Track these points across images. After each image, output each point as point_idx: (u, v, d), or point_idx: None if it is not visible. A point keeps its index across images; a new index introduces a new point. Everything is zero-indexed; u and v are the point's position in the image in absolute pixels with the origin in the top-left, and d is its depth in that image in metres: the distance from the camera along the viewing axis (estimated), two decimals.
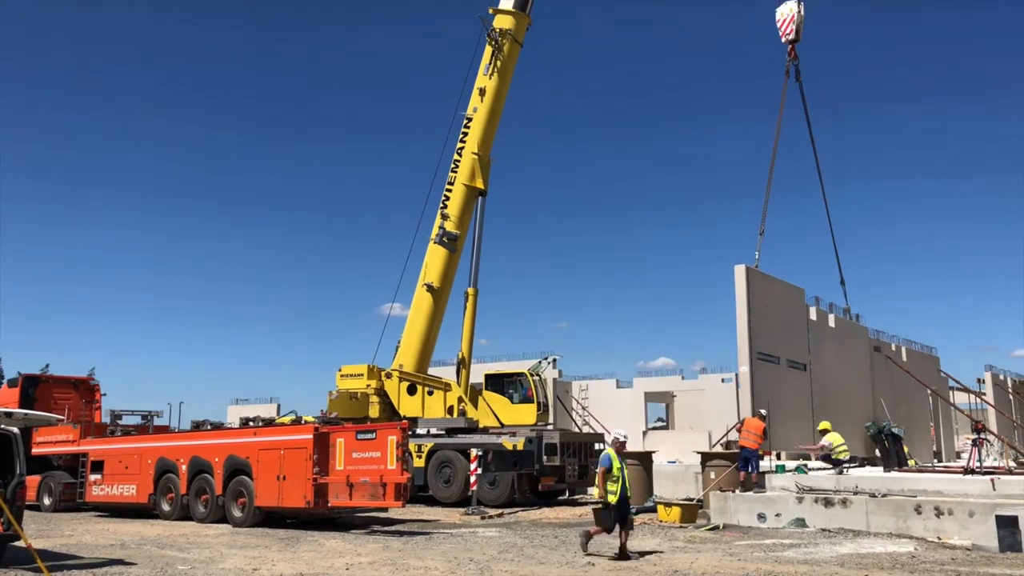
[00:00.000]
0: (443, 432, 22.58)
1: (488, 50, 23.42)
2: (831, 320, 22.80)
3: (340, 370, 23.87)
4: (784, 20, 22.41)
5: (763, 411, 17.62)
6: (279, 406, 39.81)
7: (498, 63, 23.30)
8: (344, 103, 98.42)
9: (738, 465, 16.92)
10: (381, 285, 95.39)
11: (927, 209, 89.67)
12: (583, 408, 34.87)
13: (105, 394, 24.81)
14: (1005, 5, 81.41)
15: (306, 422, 17.16)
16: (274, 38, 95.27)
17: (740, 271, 18.53)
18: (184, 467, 17.84)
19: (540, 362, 26.83)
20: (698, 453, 20.15)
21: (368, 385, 23.24)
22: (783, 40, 22.56)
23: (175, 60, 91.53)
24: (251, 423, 18.46)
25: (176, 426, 21.73)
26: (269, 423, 18.56)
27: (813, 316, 21.62)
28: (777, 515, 15.05)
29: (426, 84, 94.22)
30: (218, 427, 19.43)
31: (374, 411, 23.03)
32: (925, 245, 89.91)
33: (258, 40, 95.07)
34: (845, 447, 18.10)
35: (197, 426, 19.50)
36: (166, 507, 18.19)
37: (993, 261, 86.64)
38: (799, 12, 22.20)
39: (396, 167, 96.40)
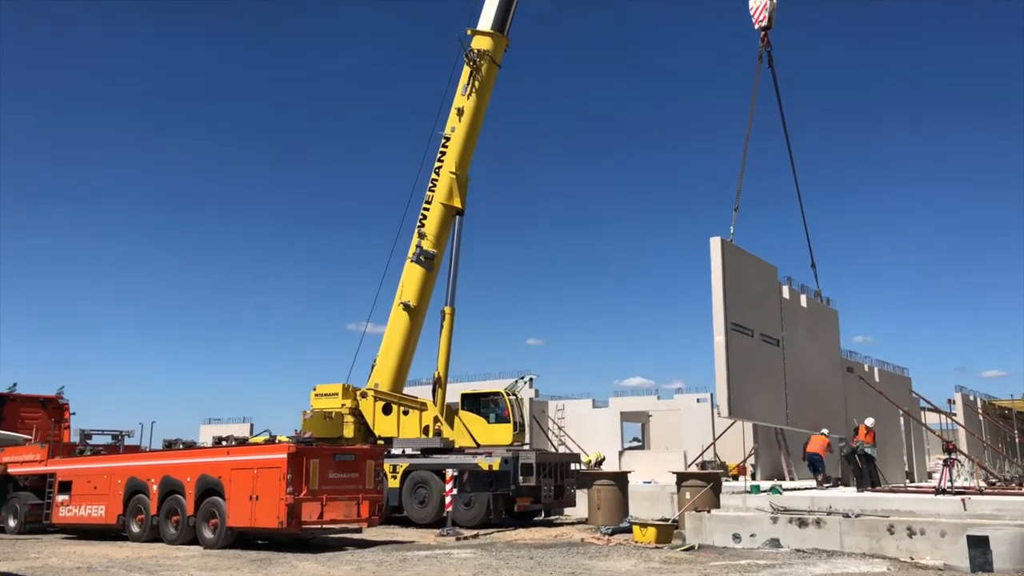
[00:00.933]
0: (418, 452, 22.45)
1: (466, 70, 23.56)
2: (803, 300, 22.92)
3: (315, 389, 23.68)
4: (757, 8, 22.67)
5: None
6: (252, 426, 39.44)
7: (476, 84, 23.44)
8: (314, 118, 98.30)
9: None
10: (353, 302, 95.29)
11: (902, 231, 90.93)
12: (559, 428, 34.84)
13: (74, 413, 24.46)
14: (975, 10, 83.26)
15: (280, 442, 17.00)
16: (241, 47, 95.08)
17: (716, 243, 18.58)
18: (155, 487, 17.57)
19: (517, 381, 26.78)
20: (674, 473, 20.19)
21: (343, 405, 23.06)
22: (756, 27, 22.77)
23: (118, 67, 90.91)
24: (224, 442, 18.24)
25: (147, 446, 21.39)
26: (242, 442, 18.35)
27: (786, 294, 21.74)
28: (752, 535, 15.08)
29: (399, 103, 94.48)
30: (190, 446, 19.18)
31: (349, 431, 22.86)
32: (899, 266, 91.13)
33: (223, 51, 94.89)
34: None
35: (169, 445, 19.23)
36: (135, 528, 17.88)
37: (965, 282, 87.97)
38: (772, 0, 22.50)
39: (371, 184, 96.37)
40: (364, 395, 23.28)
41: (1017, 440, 32.53)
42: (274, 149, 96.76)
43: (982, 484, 21.32)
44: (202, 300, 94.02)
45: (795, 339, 21.44)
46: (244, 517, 15.82)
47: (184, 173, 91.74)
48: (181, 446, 19.00)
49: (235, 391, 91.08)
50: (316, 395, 23.53)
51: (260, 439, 18.68)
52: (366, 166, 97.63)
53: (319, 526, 15.84)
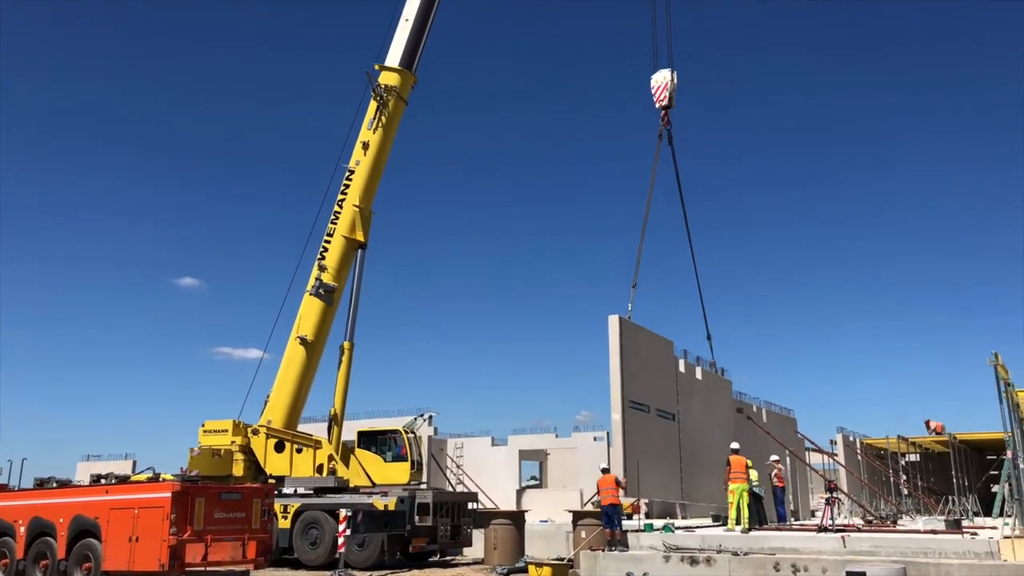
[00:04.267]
0: (311, 492, 21.83)
1: (373, 105, 23.49)
2: (698, 373, 23.64)
3: (203, 425, 22.74)
4: (658, 87, 23.57)
5: (604, 465, 18.17)
6: (135, 463, 37.61)
7: (383, 119, 23.38)
8: (209, 151, 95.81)
9: (602, 523, 17.18)
10: (247, 331, 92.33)
11: (783, 278, 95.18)
12: (458, 466, 34.54)
13: None
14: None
15: (164, 480, 16.23)
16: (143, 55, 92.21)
17: (614, 321, 19.01)
18: (22, 529, 16.46)
19: (416, 419, 26.46)
20: (570, 512, 20.28)
21: (233, 441, 22.21)
22: (657, 106, 23.68)
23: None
24: (103, 480, 17.28)
25: (16, 484, 20.05)
26: (123, 480, 17.43)
27: (681, 368, 22.37)
28: (645, 574, 15.26)
29: (300, 131, 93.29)
30: (65, 484, 18.10)
31: (238, 469, 22.01)
32: (783, 310, 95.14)
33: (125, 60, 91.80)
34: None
35: (41, 484, 18.06)
36: None
37: (846, 328, 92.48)
38: (672, 80, 23.40)
39: (267, 211, 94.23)
40: (255, 432, 22.50)
41: (891, 479, 34.17)
42: (162, 171, 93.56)
43: (860, 522, 22.25)
44: (79, 327, 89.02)
45: (691, 412, 22.05)
46: (122, 560, 14.97)
47: (40, 207, 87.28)
48: (54, 484, 17.89)
49: (117, 427, 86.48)
50: (205, 431, 22.61)
51: (143, 477, 17.81)
52: (261, 192, 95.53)
53: (203, 568, 15.14)
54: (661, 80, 23.49)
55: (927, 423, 34.92)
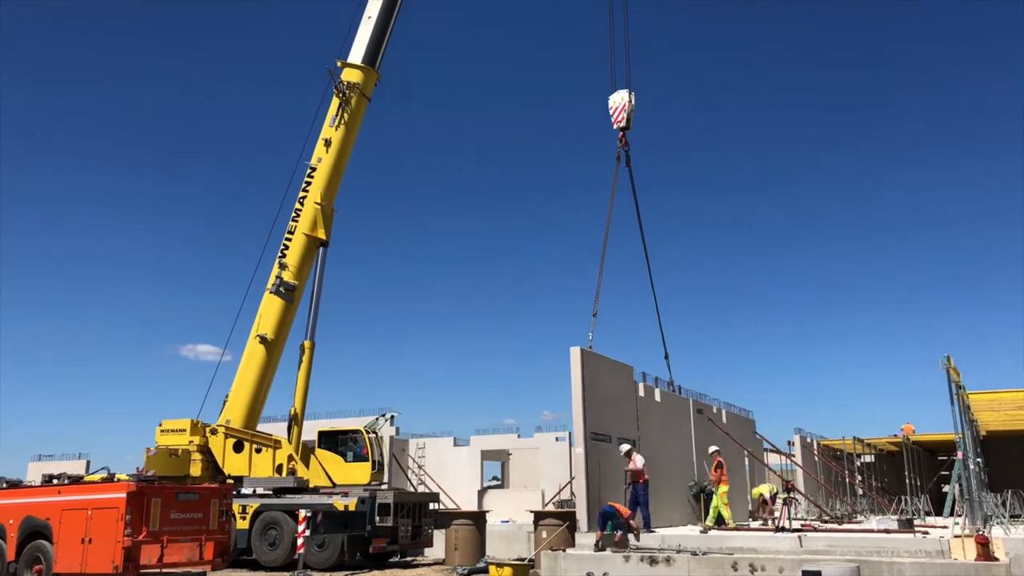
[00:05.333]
0: (270, 492, 21.60)
1: (335, 102, 23.30)
2: (657, 395, 23.87)
3: (160, 425, 22.38)
4: (616, 108, 23.61)
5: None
6: (89, 463, 36.84)
7: (345, 116, 23.21)
8: (172, 137, 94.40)
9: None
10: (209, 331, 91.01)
11: (745, 283, 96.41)
12: (419, 467, 34.43)
13: None
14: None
15: (119, 480, 15.95)
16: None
17: (576, 354, 19.06)
18: None
19: (377, 419, 26.33)
20: (531, 512, 20.33)
21: (191, 441, 21.88)
22: (615, 127, 23.73)
23: None
24: (55, 480, 16.92)
25: None
26: (77, 481, 17.09)
27: (641, 392, 22.55)
28: (605, 574, 15.35)
29: (263, 130, 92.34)
30: (15, 485, 17.70)
31: (196, 469, 21.69)
32: (742, 311, 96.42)
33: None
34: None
35: None
36: None
37: (804, 332, 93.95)
38: (630, 101, 23.44)
39: (224, 208, 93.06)
40: (214, 431, 22.20)
41: (847, 479, 34.77)
42: (113, 164, 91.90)
43: (816, 522, 22.63)
44: (29, 319, 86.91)
45: (650, 436, 22.21)
46: (74, 562, 14.68)
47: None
48: (4, 485, 17.49)
49: (71, 426, 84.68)
50: (162, 431, 22.25)
51: (97, 477, 17.49)
52: (219, 187, 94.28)
53: (159, 570, 14.91)
54: (619, 101, 23.51)
55: (905, 429, 35.72)
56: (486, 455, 36.15)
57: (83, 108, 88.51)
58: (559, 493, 30.02)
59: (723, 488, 21.13)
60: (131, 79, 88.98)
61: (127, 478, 16.03)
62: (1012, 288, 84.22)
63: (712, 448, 22.59)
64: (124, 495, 14.61)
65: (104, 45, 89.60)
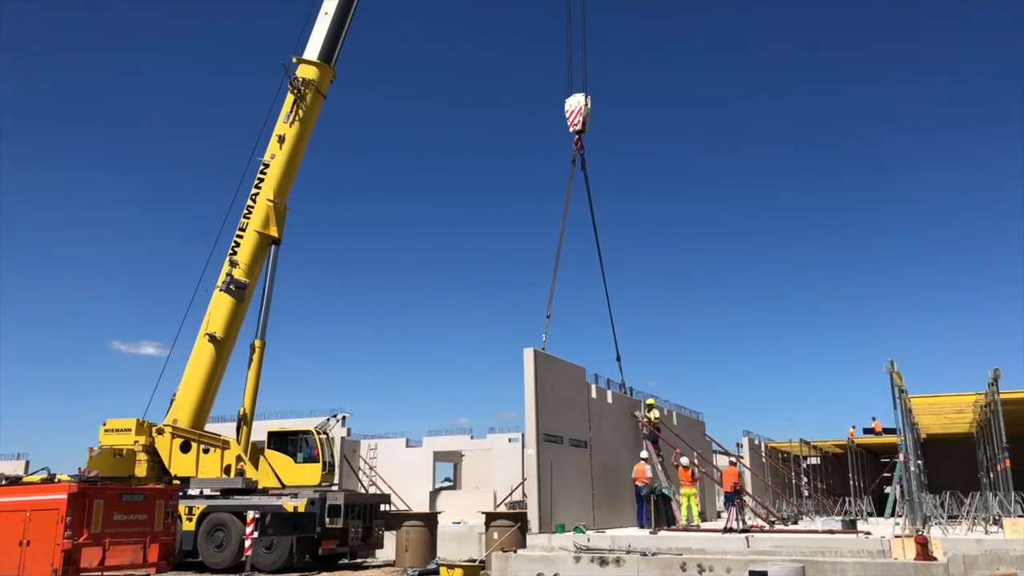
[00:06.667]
0: (218, 493, 21.25)
1: (290, 98, 23.02)
2: (609, 396, 24.03)
3: (105, 424, 21.86)
4: (572, 111, 23.80)
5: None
6: (28, 463, 35.86)
7: (300, 112, 22.94)
8: (120, 125, 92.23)
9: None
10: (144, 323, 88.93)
11: (696, 286, 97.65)
12: (371, 468, 34.18)
13: None
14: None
15: (60, 481, 15.52)
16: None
17: (529, 355, 19.14)
18: None
19: (328, 420, 26.05)
20: (483, 513, 20.32)
21: (136, 441, 21.41)
22: (571, 130, 23.90)
23: None
24: None
25: None
26: (15, 481, 16.57)
27: (593, 394, 22.69)
28: (555, 574, 15.40)
29: (211, 125, 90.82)
30: None
31: (141, 470, 21.23)
32: (693, 316, 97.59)
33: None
34: None
35: None
36: None
37: (753, 336, 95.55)
38: (586, 105, 23.64)
39: (174, 202, 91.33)
40: (160, 431, 21.76)
41: (793, 481, 35.43)
42: (51, 155, 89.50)
43: (763, 523, 23.01)
44: None
45: (602, 437, 22.38)
46: (11, 566, 14.23)
47: None
48: None
49: (9, 425, 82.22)
50: (106, 430, 21.73)
51: (36, 478, 16.99)
52: (167, 183, 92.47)
53: (100, 573, 14.54)
54: (575, 104, 23.73)
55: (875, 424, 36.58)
56: (439, 456, 36.04)
57: (22, 89, 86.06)
58: (511, 494, 30.05)
59: (690, 490, 21.60)
60: (66, 63, 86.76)
61: (68, 479, 15.62)
62: (953, 293, 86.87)
63: (683, 460, 22.84)
64: (65, 496, 14.22)
65: (44, 29, 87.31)
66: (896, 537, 14.60)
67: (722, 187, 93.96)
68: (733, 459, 20.20)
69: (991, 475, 21.75)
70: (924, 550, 13.61)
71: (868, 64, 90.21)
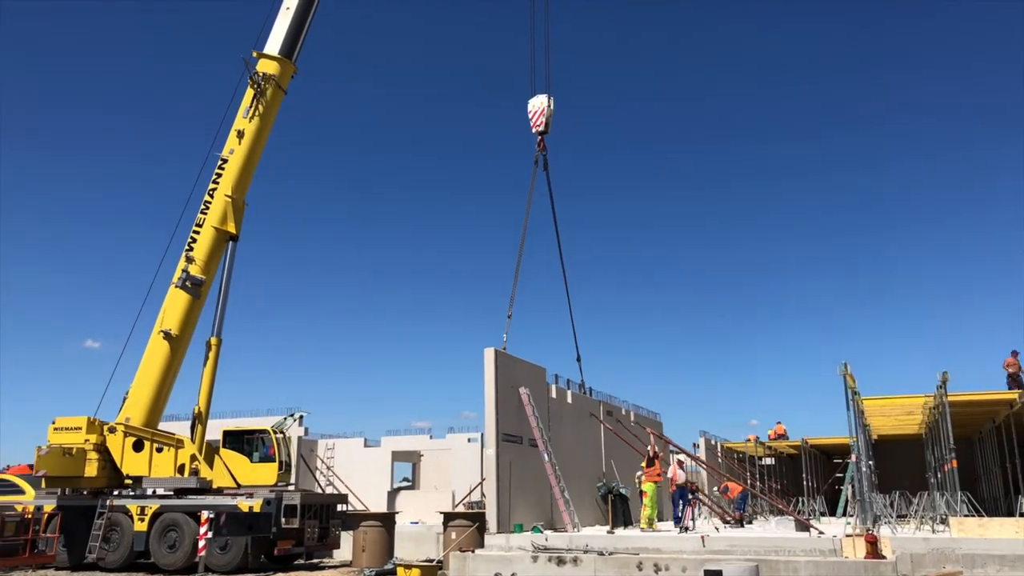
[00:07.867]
0: (171, 493, 20.91)
1: (249, 93, 22.72)
2: (569, 397, 24.16)
3: (54, 422, 21.38)
4: (535, 112, 23.92)
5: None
6: None
7: (260, 107, 22.66)
8: (82, 118, 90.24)
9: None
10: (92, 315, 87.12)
11: (655, 286, 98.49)
12: (328, 468, 33.89)
13: None
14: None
15: None
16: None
17: (489, 355, 19.17)
18: None
19: (285, 419, 25.81)
20: (441, 513, 20.28)
21: (87, 440, 20.99)
22: (533, 131, 24.03)
23: None
24: None
25: None
26: None
27: (553, 394, 22.79)
28: (513, 574, 15.42)
29: (168, 113, 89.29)
30: None
31: (91, 469, 20.81)
32: (652, 316, 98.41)
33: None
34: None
35: None
36: None
37: (711, 337, 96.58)
38: (549, 106, 23.78)
39: (130, 197, 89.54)
40: (112, 430, 21.34)
41: (748, 481, 35.88)
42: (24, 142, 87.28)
43: (718, 523, 23.28)
44: None
45: (562, 438, 22.47)
46: None
47: None
48: None
49: None
50: (55, 428, 21.25)
51: None
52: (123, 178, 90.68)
53: None
54: (538, 105, 23.87)
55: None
56: (397, 456, 35.86)
57: None
58: (470, 494, 30.03)
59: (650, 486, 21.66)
60: (28, 47, 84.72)
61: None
62: (904, 296, 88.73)
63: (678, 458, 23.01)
64: None
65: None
66: (847, 536, 14.88)
67: (685, 186, 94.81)
68: (680, 458, 20.33)
69: (939, 475, 22.25)
70: (874, 549, 13.90)
71: (842, 63, 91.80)
